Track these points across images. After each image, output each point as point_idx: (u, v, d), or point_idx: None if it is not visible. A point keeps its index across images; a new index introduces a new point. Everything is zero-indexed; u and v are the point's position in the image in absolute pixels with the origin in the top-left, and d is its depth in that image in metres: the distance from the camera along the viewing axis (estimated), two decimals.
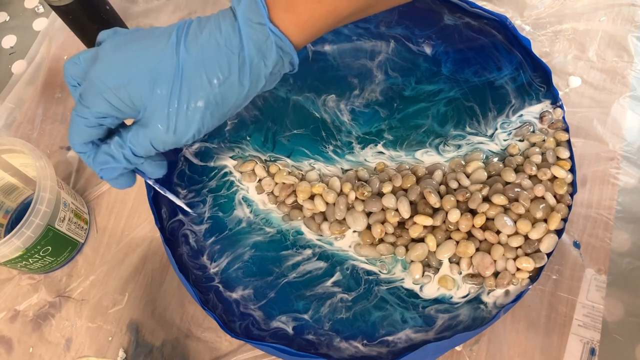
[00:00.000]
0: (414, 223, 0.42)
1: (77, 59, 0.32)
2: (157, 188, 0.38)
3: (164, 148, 0.32)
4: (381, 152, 0.47)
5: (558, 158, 0.44)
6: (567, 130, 0.45)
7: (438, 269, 0.43)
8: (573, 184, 0.43)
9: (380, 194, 0.44)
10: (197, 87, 0.30)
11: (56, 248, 0.43)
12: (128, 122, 0.34)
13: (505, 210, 0.42)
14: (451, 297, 0.42)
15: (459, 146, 0.46)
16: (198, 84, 0.30)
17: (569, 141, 0.44)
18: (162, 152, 0.33)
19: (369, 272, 0.43)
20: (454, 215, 0.42)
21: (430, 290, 0.42)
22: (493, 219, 0.42)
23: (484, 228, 0.42)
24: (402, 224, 0.43)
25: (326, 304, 0.42)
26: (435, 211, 0.43)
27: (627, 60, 0.51)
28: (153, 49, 0.30)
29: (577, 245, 0.44)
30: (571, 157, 0.44)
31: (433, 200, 0.42)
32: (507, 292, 0.41)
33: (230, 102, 0.31)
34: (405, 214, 0.42)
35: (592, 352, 0.41)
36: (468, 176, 0.44)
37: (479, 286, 0.42)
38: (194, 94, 0.30)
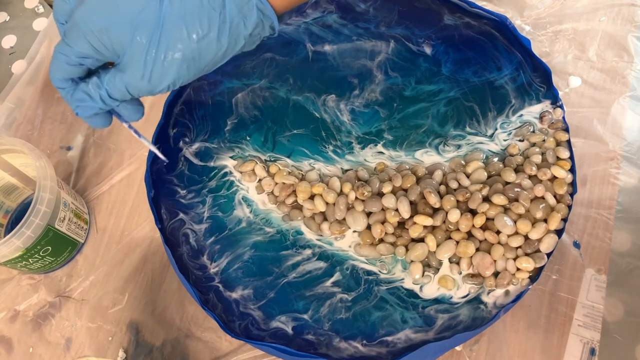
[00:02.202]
0: (414, 223, 0.42)
1: None
2: (132, 132, 0.38)
3: (138, 94, 0.33)
4: (381, 152, 0.47)
5: (558, 158, 0.44)
6: (567, 130, 0.45)
7: (438, 269, 0.43)
8: (573, 184, 0.43)
9: (380, 194, 0.44)
10: (176, 39, 0.31)
11: (56, 248, 0.43)
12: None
13: (505, 210, 0.42)
14: (451, 297, 0.42)
15: (459, 146, 0.46)
16: (177, 36, 0.31)
17: (569, 141, 0.44)
18: (137, 97, 0.34)
19: (368, 272, 0.43)
20: (454, 215, 0.42)
21: (430, 290, 0.42)
22: (493, 219, 0.42)
23: (484, 228, 0.42)
24: (402, 224, 0.43)
25: (326, 304, 0.42)
26: (435, 211, 0.43)
27: (627, 60, 0.51)
28: None
29: (577, 245, 0.44)
30: (571, 157, 0.44)
31: (433, 200, 0.42)
32: (507, 292, 0.41)
33: (207, 59, 0.33)
34: (405, 214, 0.42)
35: (592, 352, 0.41)
36: (468, 176, 0.44)
37: (479, 286, 0.42)
38: (172, 45, 0.31)
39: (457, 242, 0.42)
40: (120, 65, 0.32)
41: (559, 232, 0.41)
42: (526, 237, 0.41)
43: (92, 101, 0.33)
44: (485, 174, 0.44)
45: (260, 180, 0.46)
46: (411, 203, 0.43)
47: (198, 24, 0.31)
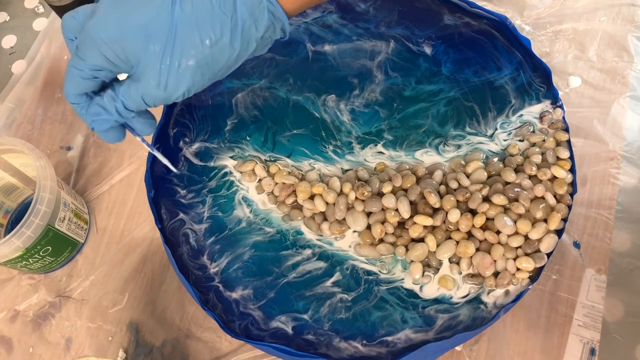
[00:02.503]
0: (414, 223, 0.42)
1: (76, 13, 0.33)
2: (145, 145, 0.39)
3: (154, 104, 0.33)
4: (381, 152, 0.47)
5: (558, 158, 0.44)
6: (567, 130, 0.45)
7: (438, 269, 0.43)
8: (573, 184, 0.43)
9: (380, 194, 0.44)
10: (189, 46, 0.31)
11: (56, 248, 0.43)
12: (121, 77, 0.35)
13: (505, 210, 0.42)
14: (451, 297, 0.42)
15: (459, 146, 0.46)
16: (191, 43, 0.31)
17: (569, 141, 0.44)
18: (153, 107, 0.34)
19: (368, 272, 0.43)
20: (454, 215, 0.42)
21: (430, 290, 0.42)
22: (493, 219, 0.42)
23: (484, 228, 0.42)
24: (402, 224, 0.43)
25: (326, 304, 0.42)
26: (435, 211, 0.43)
27: (627, 60, 0.51)
28: (149, 6, 0.31)
29: (577, 245, 0.44)
30: (571, 157, 0.44)
31: (433, 200, 0.42)
32: (507, 292, 0.41)
33: (220, 63, 0.33)
34: (405, 214, 0.42)
35: (592, 352, 0.41)
36: (468, 176, 0.44)
37: (479, 286, 0.42)
38: (186, 52, 0.31)
39: (457, 242, 0.42)
40: (134, 76, 0.32)
41: (559, 232, 0.41)
42: (526, 237, 0.41)
43: (107, 114, 0.33)
44: (485, 174, 0.44)
45: (260, 180, 0.46)
46: (411, 203, 0.43)
47: (210, 30, 0.31)
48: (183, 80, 0.32)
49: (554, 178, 0.43)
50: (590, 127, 0.48)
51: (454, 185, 0.43)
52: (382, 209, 0.43)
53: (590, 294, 0.43)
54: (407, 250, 0.43)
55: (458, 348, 0.42)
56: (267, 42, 0.34)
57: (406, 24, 0.51)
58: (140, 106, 0.33)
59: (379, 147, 0.47)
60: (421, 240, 0.43)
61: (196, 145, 0.48)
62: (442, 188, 0.44)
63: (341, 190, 0.45)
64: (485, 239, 0.42)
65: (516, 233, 0.41)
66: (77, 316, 0.45)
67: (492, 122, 0.47)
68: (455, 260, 0.42)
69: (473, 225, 0.42)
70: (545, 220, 0.41)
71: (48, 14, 0.60)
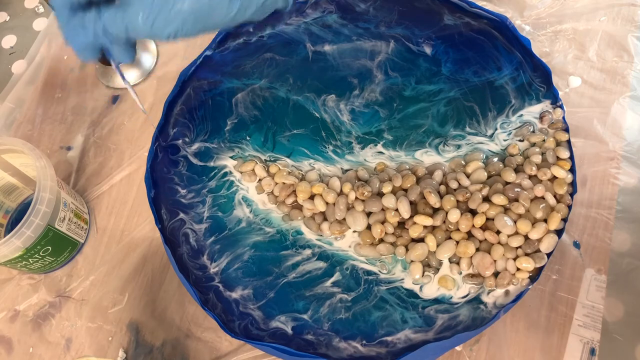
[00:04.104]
0: (414, 223, 0.42)
1: None
2: (118, 73, 0.38)
3: (136, 36, 0.32)
4: (381, 152, 0.47)
5: (558, 158, 0.44)
6: (567, 130, 0.45)
7: (438, 269, 0.43)
8: (573, 184, 0.43)
9: (380, 194, 0.44)
10: None
11: (56, 248, 0.43)
12: None
13: (505, 210, 0.42)
14: (451, 297, 0.42)
15: (459, 146, 0.46)
16: None
17: (569, 141, 0.44)
18: (134, 39, 0.33)
19: (368, 272, 0.43)
20: (454, 215, 0.42)
21: (430, 290, 0.42)
22: (493, 219, 0.42)
23: (484, 228, 0.42)
24: (402, 224, 0.43)
25: (325, 304, 0.42)
26: (435, 211, 0.43)
27: (627, 60, 0.51)
28: None
29: (577, 245, 0.44)
30: (571, 157, 0.44)
31: (433, 200, 0.42)
32: (507, 292, 0.41)
33: (215, 18, 0.32)
34: (405, 214, 0.42)
35: (592, 352, 0.41)
36: (468, 176, 0.44)
37: (479, 286, 0.42)
38: None
39: (457, 242, 0.42)
40: (124, 3, 0.31)
41: (559, 232, 0.41)
42: (526, 237, 0.41)
43: (84, 33, 0.32)
44: (485, 174, 0.44)
45: (260, 180, 0.46)
46: (411, 203, 0.43)
47: None
48: (172, 22, 0.31)
49: (554, 178, 0.43)
50: (590, 127, 0.48)
51: (454, 185, 0.43)
52: (382, 209, 0.43)
53: (590, 294, 0.43)
54: (407, 250, 0.43)
55: (458, 348, 0.42)
56: (267, 9, 0.33)
57: (406, 24, 0.51)
58: (120, 34, 0.32)
59: (379, 147, 0.47)
60: (421, 240, 0.43)
61: (196, 145, 0.48)
62: (442, 188, 0.44)
63: (341, 190, 0.45)
64: (485, 239, 0.42)
65: (516, 233, 0.41)
66: (77, 316, 0.45)
67: (492, 122, 0.47)
68: (455, 260, 0.42)
69: (473, 225, 0.42)
70: (545, 220, 0.41)
71: (48, 14, 0.60)
